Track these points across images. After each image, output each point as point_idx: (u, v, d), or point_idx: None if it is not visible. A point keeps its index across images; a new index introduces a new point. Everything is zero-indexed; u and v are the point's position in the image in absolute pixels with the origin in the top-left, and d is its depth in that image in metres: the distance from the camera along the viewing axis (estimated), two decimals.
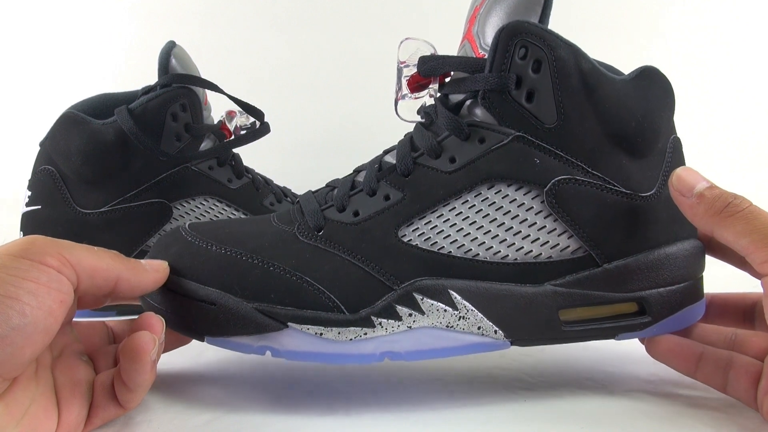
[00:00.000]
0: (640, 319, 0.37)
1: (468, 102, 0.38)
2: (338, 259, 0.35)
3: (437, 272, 0.36)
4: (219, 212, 0.59)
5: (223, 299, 0.35)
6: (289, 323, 0.34)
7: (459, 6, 0.44)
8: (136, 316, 0.33)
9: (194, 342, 0.45)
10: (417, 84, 0.41)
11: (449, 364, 0.43)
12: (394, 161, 0.38)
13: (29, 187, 0.56)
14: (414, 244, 0.36)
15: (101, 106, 0.56)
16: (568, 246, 0.36)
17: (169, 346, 0.39)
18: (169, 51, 0.56)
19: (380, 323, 0.35)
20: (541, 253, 0.36)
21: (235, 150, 0.61)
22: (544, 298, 0.36)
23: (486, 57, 0.37)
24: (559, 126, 0.35)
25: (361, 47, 1.00)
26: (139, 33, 1.06)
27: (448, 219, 0.36)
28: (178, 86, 0.55)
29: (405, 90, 0.42)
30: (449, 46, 0.42)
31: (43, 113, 0.62)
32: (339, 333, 0.34)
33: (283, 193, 0.65)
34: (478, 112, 0.37)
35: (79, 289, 0.30)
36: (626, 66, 0.39)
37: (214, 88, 0.57)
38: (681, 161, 0.39)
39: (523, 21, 0.35)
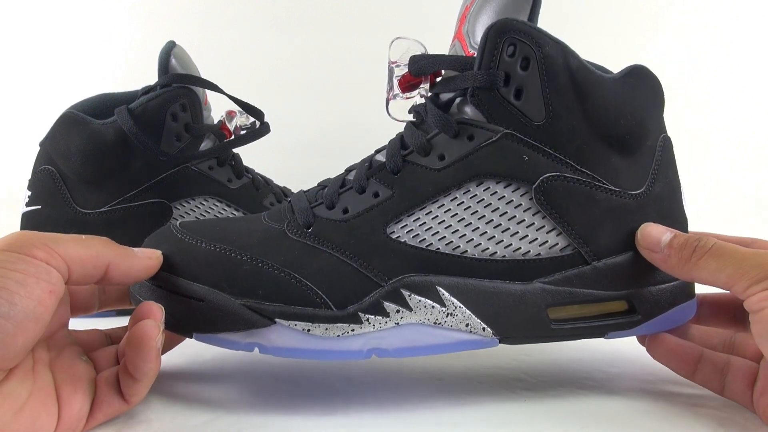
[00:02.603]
0: (629, 318, 0.37)
1: (458, 100, 0.38)
2: (326, 255, 0.36)
3: (425, 269, 0.36)
4: (219, 212, 0.59)
5: (211, 295, 0.35)
6: (276, 319, 0.34)
7: (451, 5, 0.44)
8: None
9: (194, 342, 0.45)
10: (408, 84, 0.41)
11: (449, 363, 0.43)
12: (385, 159, 0.38)
13: (29, 187, 0.56)
14: (402, 240, 0.36)
15: (101, 106, 0.57)
16: (557, 243, 0.36)
17: (164, 347, 0.39)
18: (169, 51, 0.56)
19: (367, 319, 0.35)
20: (529, 251, 0.36)
21: (235, 150, 0.61)
22: (533, 295, 0.36)
23: (475, 55, 0.37)
24: (547, 123, 0.35)
25: (361, 47, 1.00)
26: (139, 33, 1.07)
27: (437, 216, 0.36)
28: (178, 86, 0.55)
29: (396, 90, 0.42)
30: (440, 46, 0.42)
31: (43, 113, 0.63)
32: (326, 329, 0.34)
33: (283, 193, 0.65)
34: (468, 109, 0.37)
35: (71, 279, 0.31)
36: (617, 65, 0.39)
37: (214, 88, 0.57)
38: (671, 160, 0.39)
39: (512, 19, 0.35)
